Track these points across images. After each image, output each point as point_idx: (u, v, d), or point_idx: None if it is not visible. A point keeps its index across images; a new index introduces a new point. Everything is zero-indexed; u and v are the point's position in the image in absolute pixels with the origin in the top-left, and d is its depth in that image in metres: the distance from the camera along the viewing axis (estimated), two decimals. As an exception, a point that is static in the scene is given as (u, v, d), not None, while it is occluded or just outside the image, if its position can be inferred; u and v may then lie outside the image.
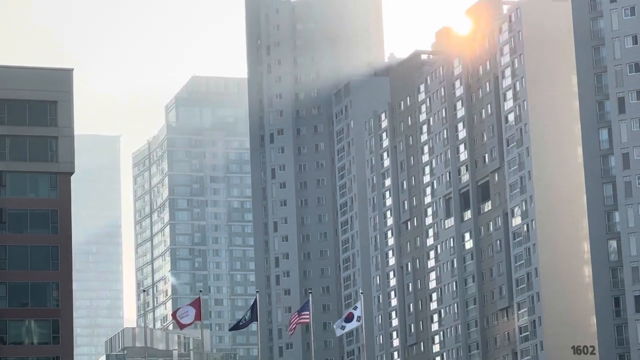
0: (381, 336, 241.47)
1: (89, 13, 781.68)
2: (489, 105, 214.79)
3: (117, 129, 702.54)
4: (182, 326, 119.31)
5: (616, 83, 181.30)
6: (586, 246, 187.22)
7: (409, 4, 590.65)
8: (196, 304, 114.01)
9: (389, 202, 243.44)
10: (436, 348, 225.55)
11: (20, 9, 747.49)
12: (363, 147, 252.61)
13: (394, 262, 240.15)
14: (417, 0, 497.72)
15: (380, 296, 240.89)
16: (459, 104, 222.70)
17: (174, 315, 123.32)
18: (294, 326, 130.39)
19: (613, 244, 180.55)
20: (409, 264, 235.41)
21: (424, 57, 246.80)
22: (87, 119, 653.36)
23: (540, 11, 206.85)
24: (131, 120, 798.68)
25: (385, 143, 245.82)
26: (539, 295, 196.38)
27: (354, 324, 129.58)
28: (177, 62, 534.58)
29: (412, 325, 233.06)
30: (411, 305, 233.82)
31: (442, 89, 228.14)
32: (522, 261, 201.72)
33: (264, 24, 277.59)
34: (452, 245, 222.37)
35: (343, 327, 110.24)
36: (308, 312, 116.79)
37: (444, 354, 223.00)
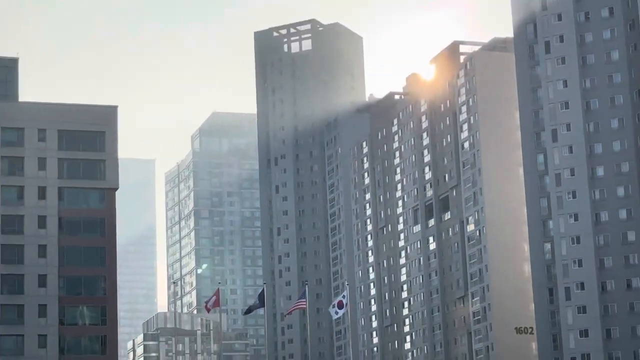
0: (363, 319, 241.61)
1: (132, 58, 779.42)
2: (448, 135, 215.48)
3: (152, 154, 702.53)
4: (208, 310, 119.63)
5: (550, 118, 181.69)
6: (526, 247, 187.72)
7: (385, 54, 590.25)
8: (216, 293, 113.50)
9: (368, 212, 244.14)
10: (407, 329, 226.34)
11: (79, 55, 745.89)
12: (348, 169, 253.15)
13: (372, 260, 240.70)
14: (392, 50, 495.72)
15: (362, 287, 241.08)
16: (424, 135, 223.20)
17: (206, 304, 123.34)
18: (292, 310, 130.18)
19: (548, 246, 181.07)
20: (385, 261, 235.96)
21: (397, 97, 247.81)
22: (128, 145, 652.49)
23: (489, 61, 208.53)
24: (164, 146, 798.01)
25: (366, 165, 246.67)
26: (488, 286, 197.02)
27: (341, 310, 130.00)
28: (201, 101, 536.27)
29: (387, 310, 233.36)
30: (386, 294, 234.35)
31: (411, 123, 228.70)
32: (475, 259, 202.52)
33: (270, 71, 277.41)
34: (418, 246, 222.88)
35: (337, 312, 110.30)
36: (305, 300, 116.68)
37: (413, 333, 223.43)
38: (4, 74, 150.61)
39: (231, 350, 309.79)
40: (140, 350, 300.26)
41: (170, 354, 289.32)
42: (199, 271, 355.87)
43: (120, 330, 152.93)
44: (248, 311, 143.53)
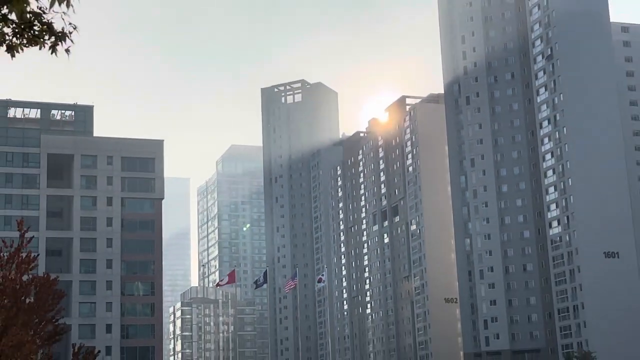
0: (336, 291, 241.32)
1: (176, 105, 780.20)
2: (397, 162, 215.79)
3: (188, 174, 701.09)
4: (220, 285, 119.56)
5: (469, 150, 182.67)
6: (452, 242, 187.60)
7: (353, 103, 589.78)
8: (232, 273, 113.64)
9: (341, 215, 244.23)
10: (368, 299, 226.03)
11: (138, 99, 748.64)
12: (327, 185, 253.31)
13: (344, 250, 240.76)
14: (358, 101, 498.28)
15: (336, 269, 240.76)
16: (380, 161, 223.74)
17: (218, 283, 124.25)
18: (289, 288, 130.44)
19: (467, 240, 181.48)
20: (352, 251, 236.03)
21: (361, 134, 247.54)
22: (171, 167, 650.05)
23: (427, 109, 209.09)
24: (196, 169, 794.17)
25: (339, 183, 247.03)
26: (425, 269, 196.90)
27: (322, 284, 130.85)
28: (223, 136, 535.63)
29: (354, 285, 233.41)
30: (353, 274, 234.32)
31: (372, 153, 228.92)
32: (416, 250, 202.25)
33: (272, 115, 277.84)
34: (376, 240, 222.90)
35: (317, 285, 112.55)
36: (296, 279, 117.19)
37: (372, 302, 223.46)
38: (82, 117, 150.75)
39: (243, 314, 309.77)
40: (178, 314, 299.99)
41: (199, 316, 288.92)
42: (244, 229, 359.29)
43: (164, 299, 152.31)
44: (257, 286, 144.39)
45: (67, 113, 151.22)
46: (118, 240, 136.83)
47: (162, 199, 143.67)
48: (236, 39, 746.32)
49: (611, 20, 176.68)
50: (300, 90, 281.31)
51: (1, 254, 24.75)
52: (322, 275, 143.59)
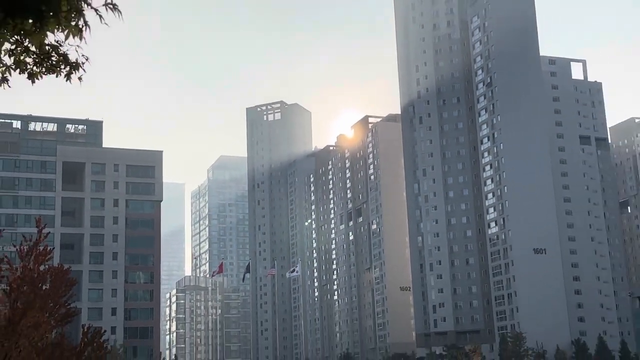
0: (309, 281, 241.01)
1: (174, 120, 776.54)
2: (361, 171, 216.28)
3: (183, 179, 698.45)
4: (213, 275, 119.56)
5: (422, 162, 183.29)
6: (407, 239, 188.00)
7: (324, 121, 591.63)
8: (221, 265, 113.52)
9: (313, 216, 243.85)
10: (335, 287, 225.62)
11: (140, 115, 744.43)
12: (302, 191, 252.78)
13: (315, 245, 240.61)
14: (328, 119, 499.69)
15: (309, 261, 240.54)
16: (347, 171, 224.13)
17: (213, 273, 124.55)
18: (269, 274, 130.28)
19: (420, 238, 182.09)
20: (322, 246, 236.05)
21: (331, 148, 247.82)
22: (169, 174, 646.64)
23: (386, 127, 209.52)
24: (191, 175, 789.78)
25: (312, 189, 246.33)
26: (384, 262, 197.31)
27: (295, 274, 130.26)
28: (213, 147, 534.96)
29: (323, 275, 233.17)
30: (323, 266, 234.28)
31: (339, 163, 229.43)
32: (376, 246, 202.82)
33: (255, 131, 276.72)
34: (342, 237, 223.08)
35: (291, 274, 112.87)
36: (274, 269, 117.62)
37: (339, 289, 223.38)
38: (93, 130, 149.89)
39: (229, 299, 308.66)
40: (174, 299, 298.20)
41: (191, 301, 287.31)
42: (210, 252, 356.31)
43: (161, 286, 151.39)
44: (243, 278, 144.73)
45: (80, 127, 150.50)
46: (122, 236, 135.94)
47: (161, 201, 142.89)
48: (226, 66, 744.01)
49: (540, 54, 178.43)
50: (279, 110, 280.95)
51: (22, 247, 24.60)
52: (297, 267, 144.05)
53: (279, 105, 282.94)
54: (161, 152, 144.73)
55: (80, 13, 7.48)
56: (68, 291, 25.21)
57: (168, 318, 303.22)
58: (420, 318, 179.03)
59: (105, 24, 7.61)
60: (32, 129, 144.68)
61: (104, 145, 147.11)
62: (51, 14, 7.32)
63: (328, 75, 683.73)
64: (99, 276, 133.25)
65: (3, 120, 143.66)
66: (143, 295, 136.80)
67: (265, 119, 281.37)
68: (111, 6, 7.63)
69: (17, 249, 24.51)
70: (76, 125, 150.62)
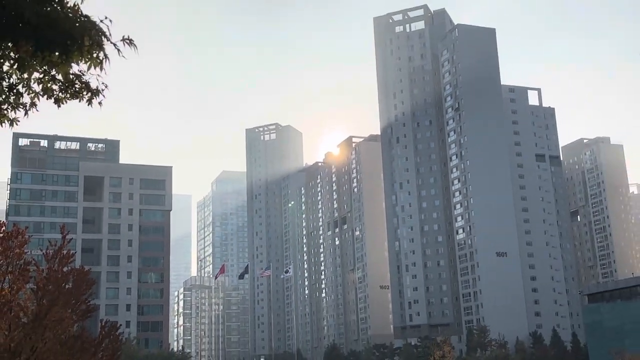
0: (300, 280, 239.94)
1: (181, 144, 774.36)
2: (346, 185, 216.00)
3: (190, 191, 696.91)
4: (216, 277, 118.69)
5: (399, 177, 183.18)
6: (386, 243, 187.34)
7: (313, 140, 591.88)
8: (223, 267, 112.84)
9: (304, 223, 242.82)
10: (323, 285, 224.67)
11: (151, 133, 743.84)
12: (296, 202, 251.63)
13: (305, 249, 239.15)
14: (317, 138, 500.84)
15: (299, 263, 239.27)
16: (333, 184, 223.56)
17: (216, 276, 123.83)
18: (263, 274, 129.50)
19: (397, 243, 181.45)
20: (312, 249, 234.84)
21: (319, 164, 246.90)
22: (177, 186, 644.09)
23: (368, 146, 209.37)
24: (196, 188, 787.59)
25: (303, 199, 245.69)
26: (366, 264, 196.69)
27: (288, 274, 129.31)
28: (217, 163, 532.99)
29: (313, 275, 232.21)
30: (312, 267, 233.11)
31: (326, 178, 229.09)
32: (359, 249, 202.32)
33: (254, 149, 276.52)
34: (330, 242, 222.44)
35: (284, 275, 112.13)
36: (270, 270, 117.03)
37: (326, 288, 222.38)
38: (111, 148, 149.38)
39: (230, 297, 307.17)
40: (181, 297, 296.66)
41: (197, 298, 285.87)
42: (214, 255, 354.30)
43: (170, 286, 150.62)
44: (241, 276, 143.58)
45: (100, 145, 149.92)
46: (136, 241, 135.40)
47: (170, 210, 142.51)
48: (229, 92, 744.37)
49: (501, 83, 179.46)
50: (274, 131, 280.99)
51: (48, 251, 24.45)
52: (289, 268, 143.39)
53: (274, 126, 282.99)
54: (171, 167, 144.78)
55: (100, 47, 7.49)
56: (88, 290, 25.03)
57: (176, 313, 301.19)
58: (398, 313, 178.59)
59: (123, 56, 7.63)
60: (57, 147, 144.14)
61: (120, 161, 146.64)
62: (75, 47, 7.33)
63: (317, 100, 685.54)
64: (115, 276, 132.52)
65: (32, 140, 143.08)
66: (154, 293, 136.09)
67: (262, 138, 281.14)
68: (128, 41, 7.65)
69: (43, 253, 24.35)
70: (96, 144, 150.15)
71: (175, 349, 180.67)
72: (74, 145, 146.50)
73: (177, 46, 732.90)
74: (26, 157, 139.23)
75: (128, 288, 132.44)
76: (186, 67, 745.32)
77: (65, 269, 23.12)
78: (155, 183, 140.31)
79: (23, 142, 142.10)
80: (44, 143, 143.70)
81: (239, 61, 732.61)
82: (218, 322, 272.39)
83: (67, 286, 23.05)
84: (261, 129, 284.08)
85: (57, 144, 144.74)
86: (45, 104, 8.46)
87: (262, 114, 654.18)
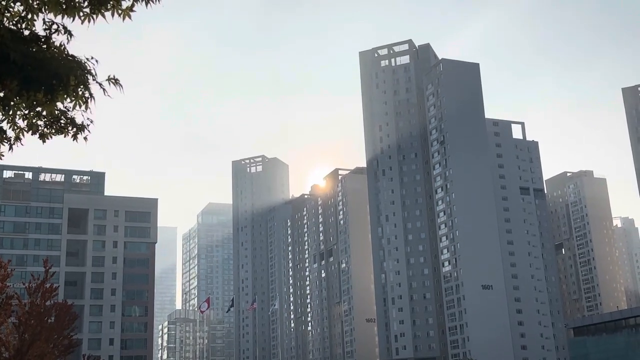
0: (285, 313, 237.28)
1: (166, 175, 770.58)
2: (332, 217, 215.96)
3: (175, 223, 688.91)
4: (202, 312, 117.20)
5: (384, 208, 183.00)
6: (372, 276, 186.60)
7: (299, 173, 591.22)
8: (208, 299, 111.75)
9: (290, 256, 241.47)
10: (309, 318, 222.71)
11: (136, 164, 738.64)
12: (280, 234, 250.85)
13: (291, 282, 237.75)
14: (303, 170, 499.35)
15: (286, 296, 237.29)
16: (320, 217, 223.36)
17: (200, 309, 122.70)
18: (250, 309, 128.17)
19: (383, 275, 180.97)
20: (298, 282, 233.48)
21: (306, 196, 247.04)
22: (163, 218, 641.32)
23: (354, 178, 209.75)
24: (182, 220, 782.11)
25: (289, 232, 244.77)
26: (352, 297, 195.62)
27: (275, 307, 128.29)
28: (202, 196, 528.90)
29: (299, 308, 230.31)
30: (298, 300, 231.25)
31: (313, 210, 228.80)
32: (345, 282, 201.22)
33: (240, 182, 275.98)
34: (315, 275, 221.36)
35: (270, 309, 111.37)
36: (255, 303, 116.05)
37: (312, 321, 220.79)
38: (96, 180, 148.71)
39: (215, 330, 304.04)
40: (165, 330, 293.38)
41: (181, 332, 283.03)
42: (198, 289, 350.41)
43: (155, 319, 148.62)
44: (228, 310, 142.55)
45: (85, 177, 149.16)
46: (120, 274, 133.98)
47: (155, 242, 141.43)
48: (215, 124, 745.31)
49: (486, 117, 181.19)
50: (261, 163, 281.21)
51: (30, 285, 24.24)
52: (275, 301, 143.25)
53: (260, 159, 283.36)
54: (156, 199, 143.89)
55: (86, 86, 7.58)
56: (71, 324, 24.82)
57: (160, 347, 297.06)
58: (384, 346, 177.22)
59: (108, 96, 7.73)
60: (42, 179, 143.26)
61: (105, 194, 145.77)
62: (61, 86, 7.41)
63: (304, 132, 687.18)
64: (98, 310, 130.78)
65: (16, 172, 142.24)
66: (138, 327, 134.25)
67: (248, 170, 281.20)
68: (113, 81, 7.76)
69: (25, 287, 24.16)
70: (81, 176, 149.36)
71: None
72: (59, 177, 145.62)
73: (162, 80, 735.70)
74: (10, 189, 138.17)
75: (111, 322, 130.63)
76: (171, 100, 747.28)
77: (48, 303, 22.88)
78: (140, 215, 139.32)
79: (7, 174, 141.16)
80: (28, 175, 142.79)
81: (225, 94, 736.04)
82: (203, 356, 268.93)
83: (49, 320, 22.79)
84: (247, 160, 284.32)
85: (42, 176, 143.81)
86: (29, 138, 8.53)
87: (248, 147, 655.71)
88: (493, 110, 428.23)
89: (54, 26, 7.53)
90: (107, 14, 7.62)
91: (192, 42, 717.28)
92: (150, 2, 7.69)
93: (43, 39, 7.44)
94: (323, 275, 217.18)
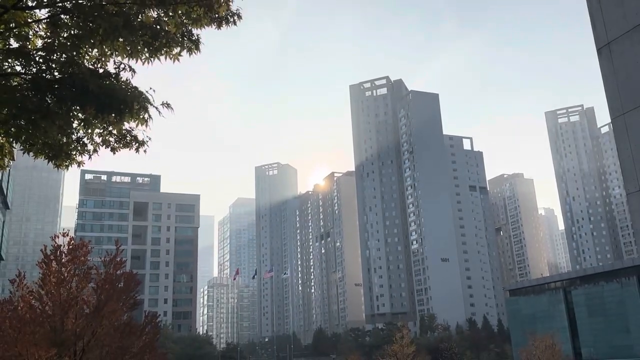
0: (295, 280, 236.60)
1: (206, 172, 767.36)
2: (329, 208, 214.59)
3: (213, 212, 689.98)
4: (234, 279, 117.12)
5: (371, 206, 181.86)
6: (359, 252, 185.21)
7: (305, 175, 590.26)
8: (237, 270, 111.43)
9: (298, 237, 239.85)
10: (312, 283, 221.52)
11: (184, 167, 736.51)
12: (291, 221, 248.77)
13: (299, 256, 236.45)
14: (308, 173, 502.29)
15: (294, 267, 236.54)
16: (320, 208, 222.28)
17: (234, 277, 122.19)
18: (267, 276, 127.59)
19: (367, 252, 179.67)
20: (305, 256, 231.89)
21: (309, 193, 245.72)
22: (204, 209, 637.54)
23: (346, 180, 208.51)
24: (218, 210, 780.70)
25: (297, 219, 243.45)
26: (345, 267, 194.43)
27: (286, 275, 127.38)
28: (233, 192, 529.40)
29: (305, 276, 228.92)
30: (304, 270, 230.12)
31: (315, 203, 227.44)
32: (339, 256, 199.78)
33: (261, 182, 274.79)
34: (317, 251, 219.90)
35: (283, 276, 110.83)
36: (272, 272, 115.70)
37: (315, 286, 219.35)
38: (155, 181, 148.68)
39: (243, 292, 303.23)
40: (206, 293, 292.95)
41: (217, 294, 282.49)
42: (230, 262, 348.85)
43: (197, 284, 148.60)
44: (253, 277, 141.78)
45: (145, 179, 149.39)
46: (172, 250, 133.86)
47: (198, 227, 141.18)
48: (243, 136, 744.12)
49: (444, 133, 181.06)
50: (276, 168, 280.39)
51: (105, 259, 24.24)
52: (287, 271, 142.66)
53: (276, 165, 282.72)
54: (198, 195, 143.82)
55: (146, 110, 7.59)
56: (135, 288, 24.74)
57: (201, 305, 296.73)
58: (368, 304, 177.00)
59: (163, 116, 7.73)
60: (113, 180, 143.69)
61: (161, 191, 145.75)
62: (127, 110, 7.43)
63: (308, 143, 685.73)
64: (156, 277, 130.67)
65: (95, 175, 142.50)
66: (185, 290, 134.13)
67: (267, 174, 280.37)
68: (166, 105, 7.76)
69: (102, 260, 24.12)
70: (143, 178, 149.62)
71: (201, 333, 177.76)
72: (126, 179, 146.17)
73: (202, 104, 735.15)
74: (90, 188, 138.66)
75: (165, 286, 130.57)
76: (208, 119, 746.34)
77: (118, 272, 22.89)
78: (187, 207, 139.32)
79: (88, 176, 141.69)
80: (103, 177, 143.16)
81: (249, 115, 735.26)
82: (233, 312, 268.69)
83: (119, 285, 22.81)
84: (266, 166, 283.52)
85: (114, 178, 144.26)
86: (104, 150, 8.52)
87: (267, 154, 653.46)
88: (449, 128, 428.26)
89: (122, 66, 7.56)
90: (162, 57, 7.66)
91: (222, 76, 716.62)
92: (193, 52, 7.75)
93: (114, 75, 7.45)
94: (323, 251, 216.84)
